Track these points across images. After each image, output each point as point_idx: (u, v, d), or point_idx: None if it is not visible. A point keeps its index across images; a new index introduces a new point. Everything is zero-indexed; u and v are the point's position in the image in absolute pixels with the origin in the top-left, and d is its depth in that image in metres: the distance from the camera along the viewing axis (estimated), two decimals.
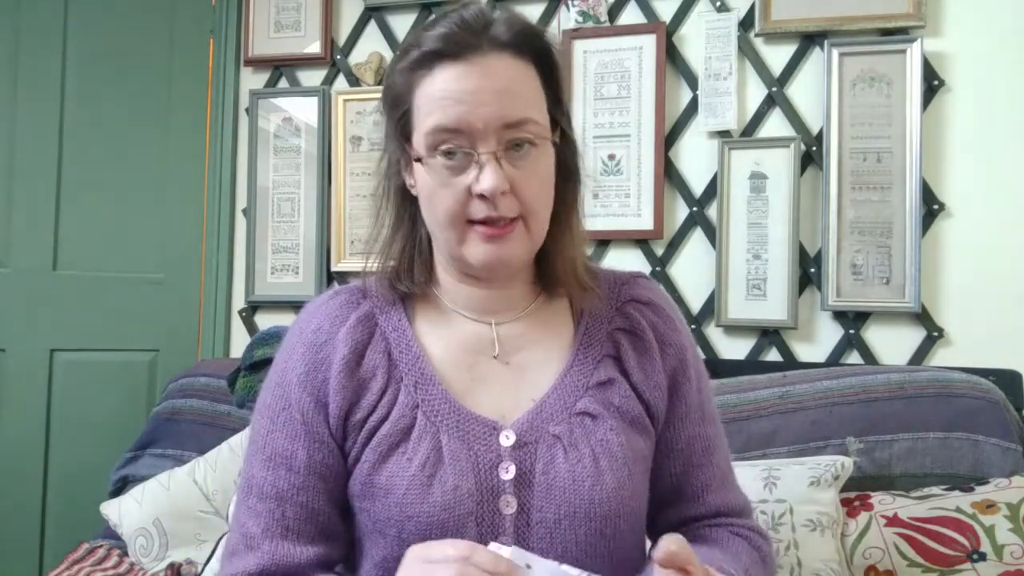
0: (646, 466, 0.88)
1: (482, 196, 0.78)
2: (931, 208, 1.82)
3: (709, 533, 0.90)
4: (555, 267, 0.89)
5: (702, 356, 1.88)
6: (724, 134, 1.94)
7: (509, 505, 0.80)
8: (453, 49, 0.78)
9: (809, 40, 1.91)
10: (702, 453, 0.91)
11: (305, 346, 0.87)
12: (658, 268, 1.98)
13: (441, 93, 0.79)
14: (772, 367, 1.81)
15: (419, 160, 0.80)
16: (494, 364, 0.87)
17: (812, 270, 1.89)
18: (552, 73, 0.84)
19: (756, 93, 1.94)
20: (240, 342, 2.24)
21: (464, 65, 0.78)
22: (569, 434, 0.83)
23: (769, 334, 1.91)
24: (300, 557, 0.81)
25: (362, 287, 0.91)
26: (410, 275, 0.88)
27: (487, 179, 0.78)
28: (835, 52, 1.86)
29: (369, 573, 0.84)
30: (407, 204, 0.88)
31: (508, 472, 0.81)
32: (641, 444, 0.87)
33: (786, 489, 1.45)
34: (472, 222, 0.80)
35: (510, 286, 0.89)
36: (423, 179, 0.82)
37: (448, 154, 0.79)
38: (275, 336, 1.82)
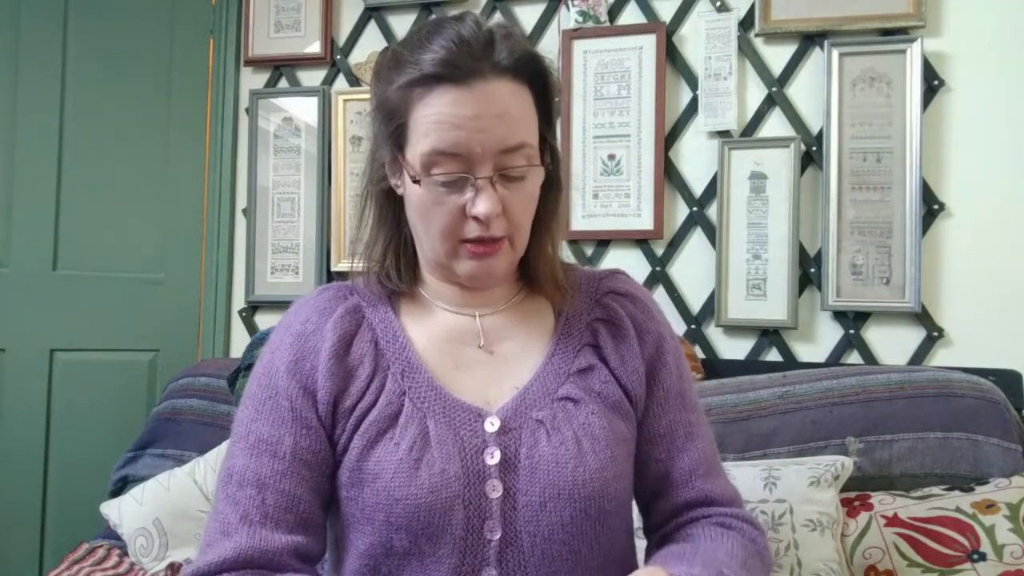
0: (629, 449, 0.90)
1: (476, 218, 0.81)
2: (931, 208, 1.82)
3: (698, 531, 0.89)
4: (536, 271, 0.92)
5: (701, 355, 1.92)
6: (724, 134, 1.94)
7: (495, 489, 0.82)
8: (453, 74, 0.78)
9: (809, 40, 1.91)
10: (684, 438, 0.92)
11: (293, 336, 0.88)
12: (658, 268, 1.98)
13: (439, 116, 0.78)
14: (772, 367, 1.81)
15: (416, 180, 0.81)
16: (478, 353, 0.90)
17: (812, 270, 1.89)
18: (546, 94, 0.85)
19: (756, 93, 1.94)
20: (240, 342, 2.24)
21: (464, 90, 0.78)
22: (552, 418, 0.85)
23: (769, 334, 1.91)
24: (278, 543, 0.80)
25: (349, 285, 0.94)
26: (396, 273, 0.91)
27: (484, 204, 0.80)
28: (835, 52, 1.85)
29: (353, 565, 0.84)
30: (391, 204, 0.90)
31: (493, 457, 0.83)
32: (623, 427, 0.89)
33: (786, 489, 1.45)
34: (463, 240, 0.83)
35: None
36: (416, 193, 0.83)
37: (446, 180, 0.80)
38: None
